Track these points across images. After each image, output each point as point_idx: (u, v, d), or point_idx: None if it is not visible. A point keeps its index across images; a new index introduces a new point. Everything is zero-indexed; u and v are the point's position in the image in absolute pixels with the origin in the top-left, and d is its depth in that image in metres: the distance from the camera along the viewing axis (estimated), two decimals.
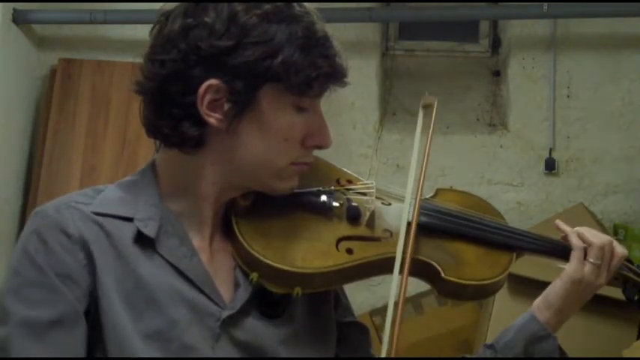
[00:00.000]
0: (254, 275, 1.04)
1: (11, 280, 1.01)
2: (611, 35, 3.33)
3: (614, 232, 3.14)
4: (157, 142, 1.11)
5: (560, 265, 1.23)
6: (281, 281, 1.05)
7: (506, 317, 2.43)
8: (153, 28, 1.07)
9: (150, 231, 1.04)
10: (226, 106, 1.02)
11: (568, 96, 3.35)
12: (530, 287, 2.05)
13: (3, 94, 3.23)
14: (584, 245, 1.22)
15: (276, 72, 1.01)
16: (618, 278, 1.27)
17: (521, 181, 3.36)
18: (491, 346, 1.22)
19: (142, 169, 1.14)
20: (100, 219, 1.04)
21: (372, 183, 1.20)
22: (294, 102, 1.05)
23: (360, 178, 1.21)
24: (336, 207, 1.12)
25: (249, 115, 1.03)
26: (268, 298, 1.07)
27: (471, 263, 1.16)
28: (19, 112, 3.38)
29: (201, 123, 1.03)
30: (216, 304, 1.04)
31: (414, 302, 2.91)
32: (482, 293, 1.19)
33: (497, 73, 3.61)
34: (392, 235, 1.14)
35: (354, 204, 1.14)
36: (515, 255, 1.21)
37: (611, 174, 3.29)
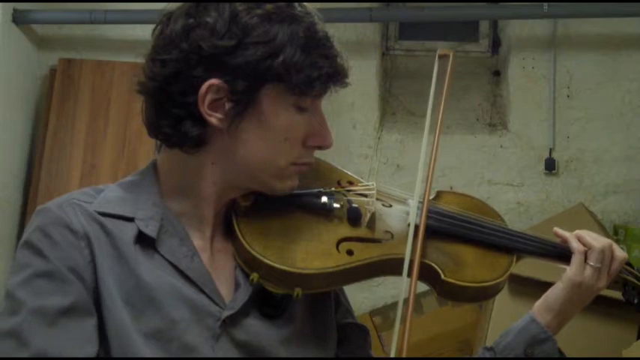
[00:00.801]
0: (254, 275, 1.05)
1: (20, 273, 1.00)
2: (611, 35, 3.33)
3: (614, 232, 3.14)
4: (158, 142, 1.11)
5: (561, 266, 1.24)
6: (281, 282, 1.05)
7: (506, 317, 2.42)
8: (155, 29, 1.08)
9: (151, 231, 1.04)
10: (227, 106, 1.03)
11: (568, 96, 3.35)
12: (530, 287, 2.05)
13: (3, 94, 3.23)
14: (585, 249, 1.22)
15: (277, 72, 1.01)
16: (618, 281, 1.27)
17: (521, 181, 3.35)
18: (490, 349, 1.22)
19: (143, 169, 1.14)
20: (101, 218, 1.04)
21: (372, 184, 1.20)
22: (295, 102, 1.05)
23: (361, 180, 1.21)
24: (336, 208, 1.13)
25: (250, 114, 1.04)
26: (268, 299, 1.07)
27: (470, 265, 1.16)
28: (19, 112, 3.38)
29: (202, 123, 1.04)
30: (216, 304, 1.04)
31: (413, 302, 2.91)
32: (481, 295, 1.19)
33: (497, 73, 3.61)
34: (393, 236, 1.14)
35: (354, 205, 1.14)
36: (515, 258, 1.21)
37: (611, 174, 3.29)
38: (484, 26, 3.64)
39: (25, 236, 1.03)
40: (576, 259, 1.21)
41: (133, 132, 3.29)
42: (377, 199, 1.17)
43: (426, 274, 1.13)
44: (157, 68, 1.04)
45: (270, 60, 1.01)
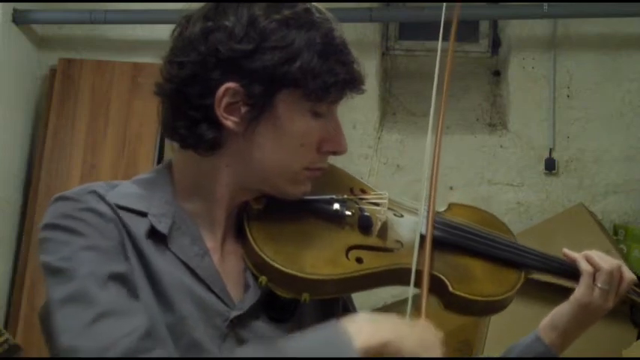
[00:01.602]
0: (263, 278, 1.05)
1: (59, 249, 0.98)
2: (611, 35, 3.33)
3: (614, 232, 3.14)
4: (174, 144, 1.11)
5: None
6: (289, 286, 1.05)
7: (506, 318, 2.42)
8: (174, 31, 1.09)
9: (163, 227, 1.04)
10: (243, 110, 1.03)
11: (568, 96, 3.35)
12: (531, 288, 2.05)
13: (3, 94, 3.23)
14: (593, 270, 1.22)
15: (293, 77, 1.02)
16: (626, 302, 1.27)
17: (521, 181, 3.35)
18: None
19: (157, 168, 1.15)
20: (116, 210, 1.04)
21: (385, 194, 1.20)
22: (311, 107, 1.06)
23: (373, 189, 1.21)
24: (348, 215, 1.13)
25: (266, 119, 1.04)
26: (276, 303, 1.07)
27: (479, 279, 1.16)
28: (19, 112, 3.38)
29: (218, 125, 1.04)
30: (225, 303, 1.04)
31: (413, 303, 2.91)
32: (489, 310, 1.18)
33: (497, 73, 3.61)
34: (403, 246, 1.14)
35: (366, 213, 1.14)
36: (524, 274, 1.21)
37: (611, 174, 3.29)
38: (484, 26, 3.64)
39: (49, 221, 1.01)
40: (585, 281, 1.22)
41: (132, 132, 3.29)
42: (388, 208, 1.17)
43: (434, 285, 1.12)
44: (174, 70, 1.05)
45: (288, 65, 1.01)
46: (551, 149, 3.32)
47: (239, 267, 1.09)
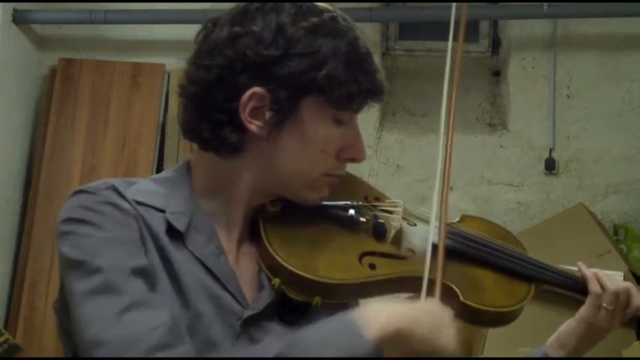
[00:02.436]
0: (276, 281, 1.06)
1: (81, 241, 0.98)
2: (611, 35, 3.33)
3: (614, 232, 3.14)
4: (194, 145, 1.11)
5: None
6: (302, 289, 1.06)
7: None
8: (199, 34, 1.09)
9: (180, 225, 1.05)
10: (268, 115, 1.04)
11: (568, 96, 3.35)
12: None
13: (3, 94, 3.24)
14: (601, 291, 1.25)
15: (319, 84, 1.03)
16: (633, 319, 1.29)
17: (521, 181, 3.36)
18: None
19: (176, 166, 1.15)
20: (136, 205, 1.05)
21: (399, 202, 1.21)
22: (334, 115, 1.07)
23: (388, 197, 1.22)
24: (362, 222, 1.14)
25: (290, 124, 1.05)
26: (288, 305, 1.08)
27: (490, 290, 1.17)
28: (19, 112, 3.38)
29: (242, 129, 1.05)
30: (239, 303, 1.05)
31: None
32: (498, 321, 1.18)
33: (497, 73, 3.61)
34: (415, 254, 1.14)
35: (380, 221, 1.15)
36: (534, 287, 1.22)
37: (611, 174, 3.29)
38: (484, 26, 3.64)
39: (69, 214, 1.01)
40: (591, 301, 1.25)
41: (132, 132, 3.29)
42: (402, 217, 1.19)
43: (445, 294, 1.12)
44: (200, 73, 1.06)
45: (314, 72, 1.02)
46: (551, 149, 3.33)
47: (253, 268, 1.09)
